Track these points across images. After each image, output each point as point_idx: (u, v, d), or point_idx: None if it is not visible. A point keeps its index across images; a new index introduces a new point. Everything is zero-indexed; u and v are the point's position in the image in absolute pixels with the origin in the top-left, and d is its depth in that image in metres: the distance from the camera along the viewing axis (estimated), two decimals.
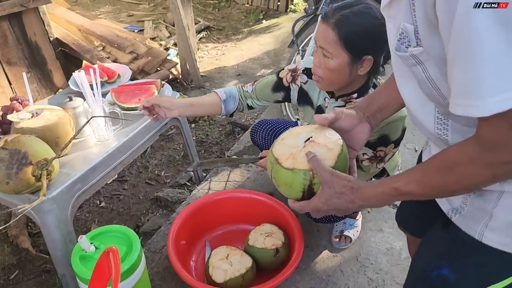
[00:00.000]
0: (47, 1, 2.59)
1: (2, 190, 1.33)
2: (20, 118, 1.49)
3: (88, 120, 1.41)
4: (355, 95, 1.45)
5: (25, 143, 1.33)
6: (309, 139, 0.97)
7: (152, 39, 4.19)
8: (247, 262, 1.61)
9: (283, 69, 1.66)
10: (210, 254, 1.66)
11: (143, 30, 4.56)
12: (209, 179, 2.25)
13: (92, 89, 1.64)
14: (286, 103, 2.41)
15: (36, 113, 1.53)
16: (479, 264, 0.87)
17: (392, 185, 0.82)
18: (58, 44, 2.91)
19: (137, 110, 1.75)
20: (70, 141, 1.39)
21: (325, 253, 1.85)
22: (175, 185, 2.54)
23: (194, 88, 3.39)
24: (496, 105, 0.58)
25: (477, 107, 0.60)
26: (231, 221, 1.92)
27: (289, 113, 2.83)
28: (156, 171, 2.67)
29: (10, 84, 2.52)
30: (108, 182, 2.49)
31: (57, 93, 2.59)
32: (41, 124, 1.46)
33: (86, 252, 1.36)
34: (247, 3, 5.71)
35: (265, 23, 5.13)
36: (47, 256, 2.10)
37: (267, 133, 2.00)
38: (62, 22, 3.33)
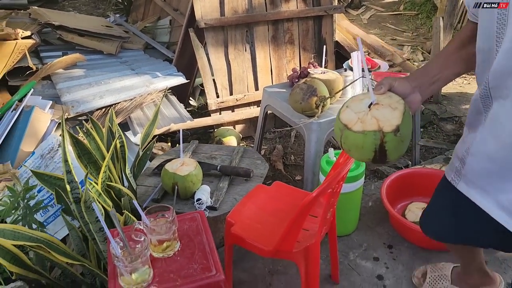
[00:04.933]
0: (342, 11, 3.52)
1: (295, 107, 2.18)
2: (315, 71, 2.35)
3: (353, 81, 2.15)
4: None
5: (317, 83, 2.15)
6: (371, 103, 1.01)
7: (407, 60, 4.79)
8: None
9: None
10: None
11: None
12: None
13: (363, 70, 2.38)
14: None
15: (323, 72, 2.36)
16: None
17: None
18: (336, 45, 3.84)
19: None
20: (340, 90, 2.17)
21: None
22: None
23: (431, 103, 3.83)
24: None
25: None
26: None
27: None
28: None
29: (300, 63, 3.55)
30: None
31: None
32: (325, 78, 2.27)
33: (330, 159, 2.10)
34: None
35: None
36: (290, 178, 2.99)
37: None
38: (343, 30, 4.28)
